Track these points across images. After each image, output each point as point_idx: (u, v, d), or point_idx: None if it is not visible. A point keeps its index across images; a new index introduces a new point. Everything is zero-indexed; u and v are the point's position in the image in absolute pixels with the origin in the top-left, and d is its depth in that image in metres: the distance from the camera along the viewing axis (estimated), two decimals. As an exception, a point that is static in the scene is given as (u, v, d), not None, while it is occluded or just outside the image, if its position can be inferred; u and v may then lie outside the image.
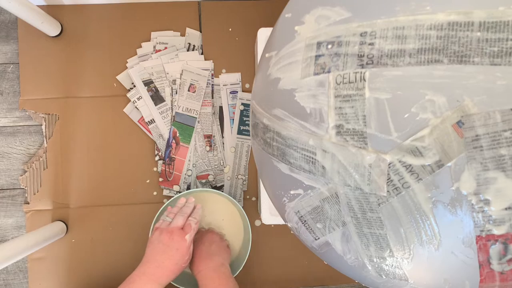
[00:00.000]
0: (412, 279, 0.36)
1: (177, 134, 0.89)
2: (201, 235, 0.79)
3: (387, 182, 0.32)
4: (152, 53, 0.90)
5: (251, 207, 0.91)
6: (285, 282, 0.90)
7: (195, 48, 0.92)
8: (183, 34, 0.92)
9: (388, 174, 0.32)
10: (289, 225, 0.47)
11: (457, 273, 0.33)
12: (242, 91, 0.92)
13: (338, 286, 0.91)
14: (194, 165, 0.90)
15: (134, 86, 0.89)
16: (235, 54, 0.92)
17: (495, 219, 0.30)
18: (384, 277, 0.38)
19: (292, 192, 0.41)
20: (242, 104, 0.91)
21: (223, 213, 0.87)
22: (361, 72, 0.32)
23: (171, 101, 0.89)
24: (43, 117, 0.89)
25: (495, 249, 0.31)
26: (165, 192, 0.90)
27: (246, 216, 0.81)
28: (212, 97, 0.91)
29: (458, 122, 0.29)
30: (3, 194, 0.89)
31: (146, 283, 0.63)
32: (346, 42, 0.33)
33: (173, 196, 0.89)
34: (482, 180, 0.29)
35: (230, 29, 0.92)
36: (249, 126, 0.91)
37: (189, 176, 0.89)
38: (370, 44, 0.32)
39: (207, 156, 0.90)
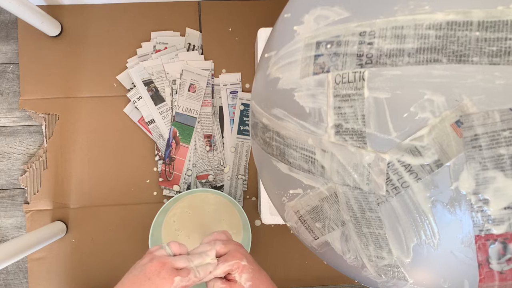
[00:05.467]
0: (411, 278, 0.36)
1: (177, 134, 0.89)
2: (248, 258, 0.60)
3: (386, 182, 0.32)
4: (152, 53, 0.90)
5: (251, 207, 0.91)
6: (285, 282, 0.90)
7: (195, 48, 0.92)
8: (183, 34, 0.92)
9: (387, 173, 0.32)
10: (288, 224, 0.47)
11: (456, 272, 0.33)
12: (242, 91, 0.92)
13: (338, 286, 0.91)
14: (194, 165, 0.90)
15: (134, 86, 0.89)
16: (235, 54, 0.92)
17: (494, 219, 0.30)
18: (383, 276, 0.38)
19: (291, 191, 0.41)
20: (242, 104, 0.91)
21: (223, 213, 0.87)
22: (360, 72, 0.32)
23: (171, 101, 0.89)
24: (43, 117, 0.89)
25: (494, 249, 0.31)
26: (165, 192, 0.90)
27: (246, 216, 0.81)
28: (212, 97, 0.91)
29: (457, 121, 0.29)
30: (3, 194, 0.89)
31: None
32: (345, 41, 0.33)
33: (173, 196, 0.89)
34: (481, 179, 0.29)
35: (230, 29, 0.93)
36: (249, 126, 0.91)
37: (189, 176, 0.90)
38: (369, 43, 0.32)
39: (207, 156, 0.90)
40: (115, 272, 0.89)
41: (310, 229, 0.42)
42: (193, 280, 0.52)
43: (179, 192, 0.89)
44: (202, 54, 0.92)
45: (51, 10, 0.90)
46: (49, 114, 0.89)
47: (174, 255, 0.54)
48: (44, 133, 0.89)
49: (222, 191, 0.90)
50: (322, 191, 0.37)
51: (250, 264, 0.57)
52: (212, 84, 0.91)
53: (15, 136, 0.90)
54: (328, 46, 0.34)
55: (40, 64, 0.90)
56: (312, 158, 0.36)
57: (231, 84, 0.92)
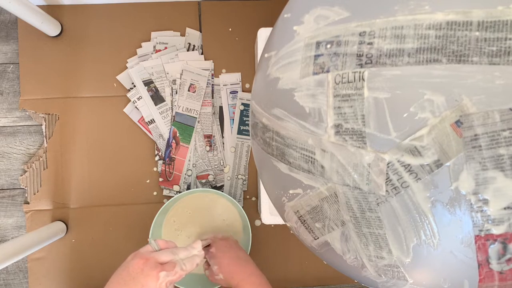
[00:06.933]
0: (411, 278, 0.36)
1: (177, 134, 0.89)
2: (217, 246, 0.69)
3: (386, 182, 0.32)
4: (152, 53, 0.90)
5: (251, 207, 0.91)
6: (285, 282, 0.90)
7: (195, 48, 0.92)
8: (183, 34, 0.92)
9: (387, 173, 0.32)
10: (288, 224, 0.47)
11: (456, 272, 0.33)
12: (242, 91, 0.92)
13: (338, 286, 0.91)
14: (194, 165, 0.90)
15: (134, 86, 0.89)
16: (235, 54, 0.92)
17: (494, 219, 0.30)
18: (383, 276, 0.38)
19: (291, 191, 0.41)
20: (242, 104, 0.91)
21: (223, 213, 0.87)
22: (360, 72, 0.32)
23: (171, 101, 0.89)
24: (43, 117, 0.89)
25: (494, 249, 0.31)
26: (165, 192, 0.90)
27: (246, 216, 0.81)
28: (212, 97, 0.91)
29: (457, 121, 0.29)
30: (3, 194, 0.89)
31: None
32: (345, 41, 0.33)
33: (173, 196, 0.89)
34: (481, 179, 0.29)
35: (230, 29, 0.93)
36: (249, 126, 0.91)
37: (189, 176, 0.89)
38: (369, 43, 0.32)
39: (207, 156, 0.90)
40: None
41: (310, 229, 0.42)
42: (179, 274, 0.51)
43: (179, 192, 0.89)
44: (202, 54, 0.92)
45: (51, 10, 0.90)
46: (49, 114, 0.89)
47: (161, 250, 0.53)
48: (44, 133, 0.89)
49: (222, 191, 0.90)
50: (322, 191, 0.37)
51: (218, 252, 0.67)
52: (212, 84, 0.91)
53: (15, 136, 0.90)
54: (328, 46, 0.34)
55: (40, 64, 0.90)
56: (312, 158, 0.36)
57: (231, 84, 0.92)
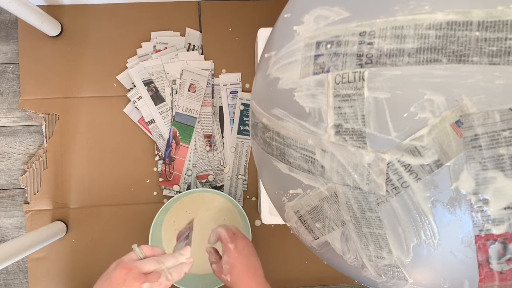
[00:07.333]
0: (411, 278, 0.36)
1: (177, 134, 0.89)
2: (237, 245, 0.65)
3: (386, 182, 0.32)
4: (152, 53, 0.90)
5: (251, 207, 0.91)
6: (285, 282, 0.90)
7: (195, 48, 0.92)
8: (183, 34, 0.92)
9: (387, 173, 0.32)
10: (288, 224, 0.47)
11: (456, 272, 0.33)
12: (242, 91, 0.92)
13: (338, 286, 0.91)
14: (194, 165, 0.90)
15: (134, 86, 0.89)
16: (235, 54, 0.92)
17: (494, 219, 0.30)
18: (383, 276, 0.38)
19: (291, 191, 0.41)
20: (242, 104, 0.91)
21: (223, 213, 0.87)
22: (360, 72, 0.32)
23: (171, 101, 0.89)
24: (43, 117, 0.89)
25: (494, 249, 0.31)
26: (165, 192, 0.90)
27: (246, 216, 0.81)
28: (212, 97, 0.91)
29: (457, 121, 0.29)
30: (3, 194, 0.89)
31: None
32: (345, 41, 0.33)
33: (173, 196, 0.89)
34: (481, 179, 0.29)
35: (230, 29, 0.93)
36: (249, 126, 0.91)
37: (189, 176, 0.89)
38: (369, 43, 0.32)
39: (207, 156, 0.90)
40: (115, 272, 0.88)
41: (310, 229, 0.42)
42: (165, 284, 0.49)
43: (179, 192, 0.89)
44: (202, 54, 0.92)
45: (51, 10, 0.90)
46: (49, 114, 0.89)
47: (146, 258, 0.51)
48: (44, 133, 0.89)
49: (222, 191, 0.90)
50: (322, 191, 0.37)
51: (235, 252, 0.63)
52: (212, 84, 0.91)
53: (15, 136, 0.90)
54: (328, 46, 0.34)
55: (40, 64, 0.90)
56: (312, 158, 0.36)
57: (231, 84, 0.92)
